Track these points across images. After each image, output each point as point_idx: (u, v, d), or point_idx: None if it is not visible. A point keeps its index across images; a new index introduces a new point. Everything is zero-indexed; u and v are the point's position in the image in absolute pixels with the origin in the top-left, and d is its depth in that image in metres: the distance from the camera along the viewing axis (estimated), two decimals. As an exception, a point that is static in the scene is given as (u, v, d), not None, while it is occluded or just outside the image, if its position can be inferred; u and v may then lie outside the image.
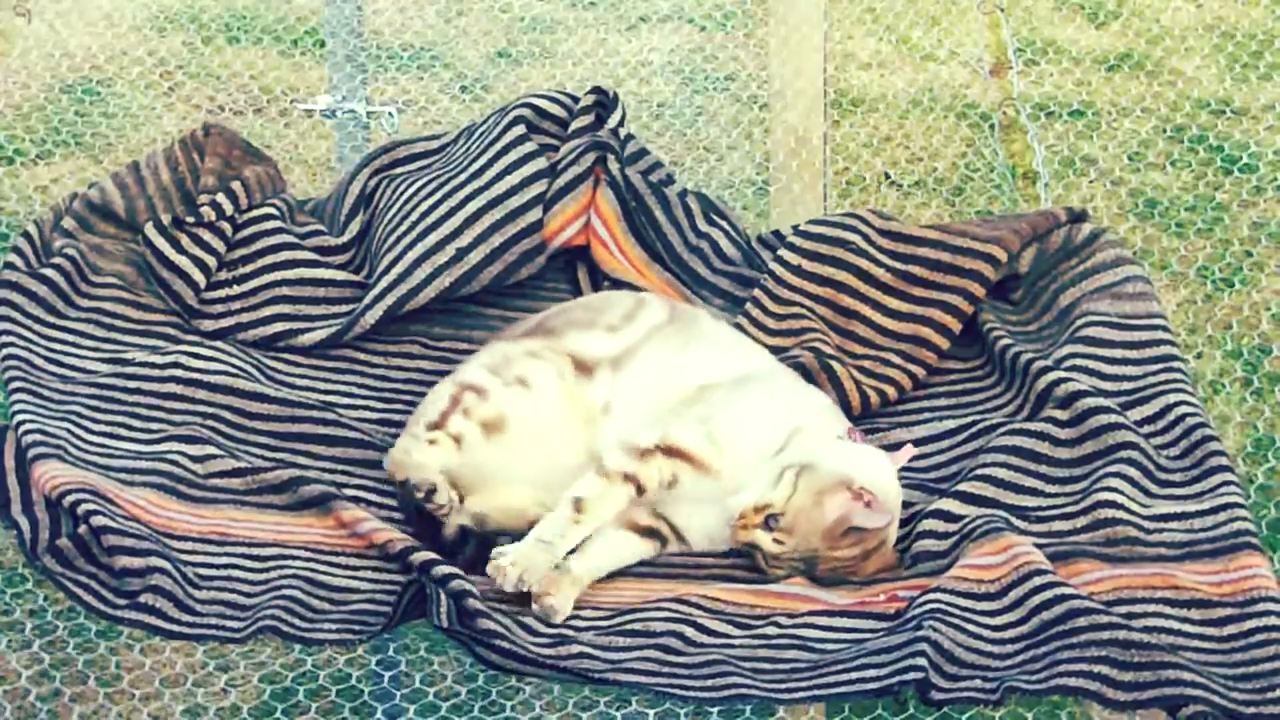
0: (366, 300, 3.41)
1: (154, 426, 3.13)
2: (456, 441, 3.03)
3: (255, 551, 2.92)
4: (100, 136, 4.25)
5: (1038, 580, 2.75)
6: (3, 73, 4.38)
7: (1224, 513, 2.90)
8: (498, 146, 3.54)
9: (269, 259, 3.48)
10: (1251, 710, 2.57)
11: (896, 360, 3.34)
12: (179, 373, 3.20)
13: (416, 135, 3.81)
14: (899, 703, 2.66)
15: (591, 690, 2.75)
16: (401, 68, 4.53)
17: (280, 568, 2.89)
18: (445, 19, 4.70)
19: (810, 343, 3.31)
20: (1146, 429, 3.07)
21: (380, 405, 3.31)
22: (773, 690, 2.66)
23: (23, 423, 3.05)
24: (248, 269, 3.47)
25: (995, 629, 2.73)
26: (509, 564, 2.85)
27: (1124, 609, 2.74)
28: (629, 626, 2.80)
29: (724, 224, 3.60)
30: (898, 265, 3.40)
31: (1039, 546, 2.83)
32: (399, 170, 3.64)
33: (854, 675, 2.65)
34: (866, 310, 3.38)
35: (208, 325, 3.41)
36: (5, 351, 3.25)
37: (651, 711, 2.71)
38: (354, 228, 3.59)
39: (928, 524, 2.94)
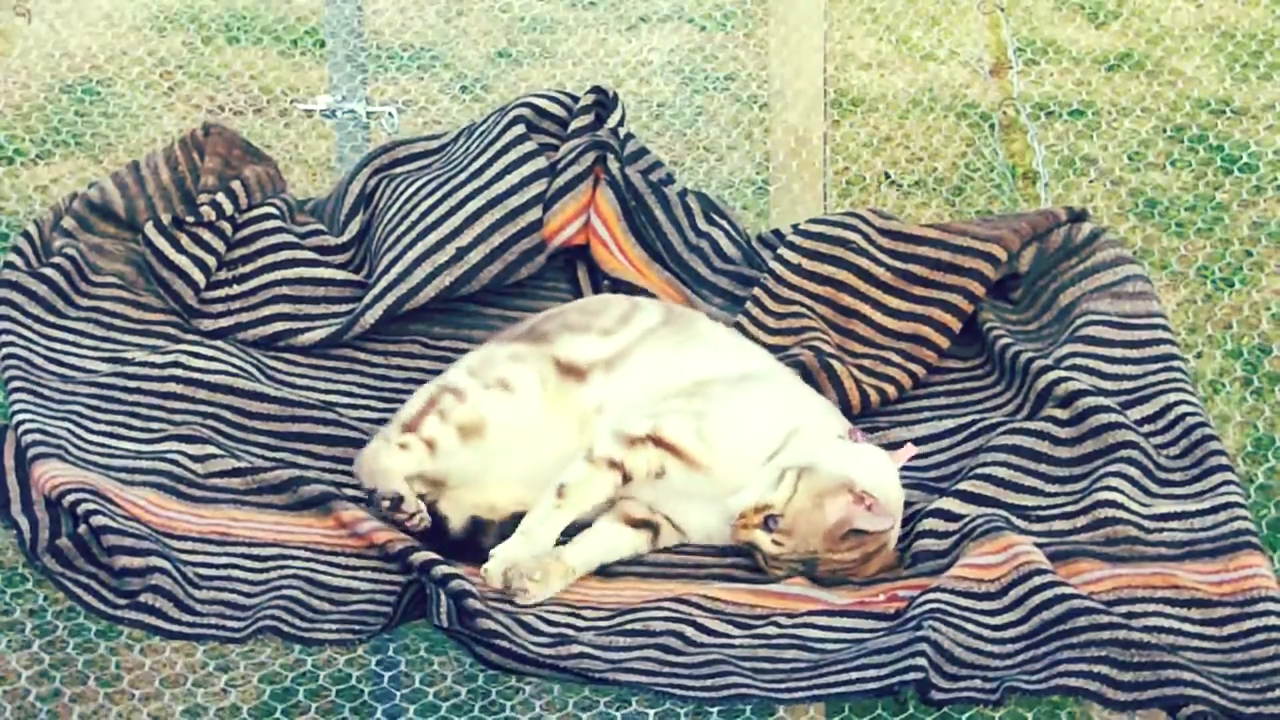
0: (366, 300, 3.41)
1: (154, 426, 3.13)
2: (429, 446, 3.01)
3: (255, 551, 2.92)
4: (100, 136, 4.25)
5: (1038, 580, 2.75)
6: (3, 73, 4.38)
7: (1224, 512, 2.90)
8: (498, 146, 3.54)
9: (269, 258, 3.48)
10: (1251, 710, 2.57)
11: (896, 359, 3.34)
12: (179, 372, 3.20)
13: (416, 135, 3.81)
14: (899, 703, 2.66)
15: (591, 690, 2.74)
16: (401, 68, 4.53)
17: (280, 568, 2.89)
18: (445, 19, 4.70)
19: (810, 342, 3.31)
20: (1146, 428, 3.07)
21: (380, 405, 3.31)
22: (773, 690, 2.66)
23: (23, 422, 3.04)
24: (248, 268, 3.47)
25: (995, 629, 2.72)
26: (492, 565, 2.88)
27: (1124, 609, 2.74)
28: (629, 626, 2.80)
29: (724, 223, 3.60)
30: (898, 264, 3.40)
31: (1039, 546, 2.83)
32: (399, 170, 3.64)
33: (854, 675, 2.65)
34: (866, 309, 3.38)
35: (208, 325, 3.41)
36: (5, 351, 3.25)
37: (651, 711, 2.70)
38: (354, 227, 3.59)
39: (928, 523, 2.94)
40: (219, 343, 3.33)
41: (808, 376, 3.23)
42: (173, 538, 2.91)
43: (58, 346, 3.31)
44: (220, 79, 4.49)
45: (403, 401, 3.29)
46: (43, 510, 2.90)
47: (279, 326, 3.41)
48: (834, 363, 3.27)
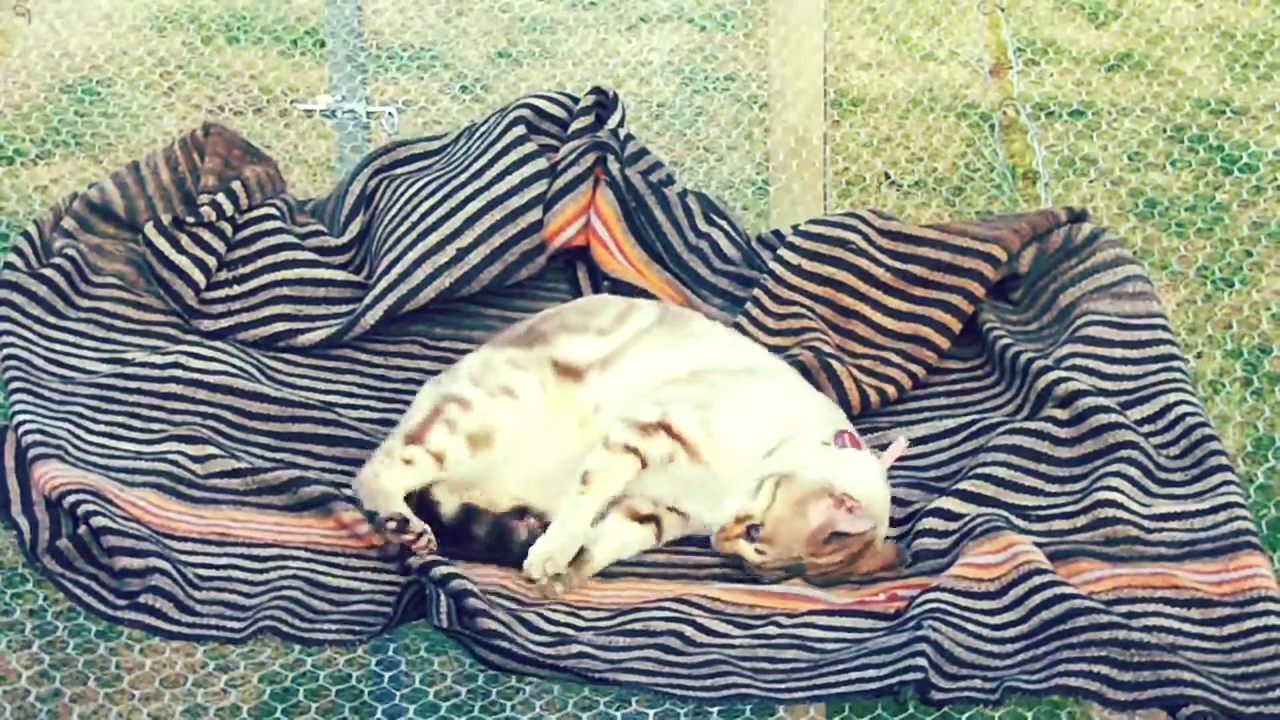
0: (367, 300, 3.41)
1: (154, 427, 3.13)
2: (438, 459, 3.00)
3: (255, 552, 2.92)
4: (100, 136, 4.25)
5: (1038, 579, 2.75)
6: (3, 73, 4.38)
7: (1224, 512, 2.90)
8: (498, 147, 3.54)
9: (269, 259, 3.48)
10: (1251, 710, 2.57)
11: (896, 360, 3.34)
12: (179, 373, 3.20)
13: (417, 135, 3.81)
14: (899, 703, 2.66)
15: (591, 690, 2.74)
16: (401, 68, 4.53)
17: (280, 568, 2.89)
18: (445, 19, 4.70)
19: (810, 342, 3.31)
20: (1146, 428, 3.07)
21: (380, 405, 3.31)
22: (773, 690, 2.66)
23: (23, 423, 3.04)
24: (248, 269, 3.47)
25: (995, 628, 2.72)
26: (533, 562, 2.89)
27: (1124, 608, 2.74)
28: (629, 626, 2.80)
29: (724, 224, 3.60)
30: (898, 265, 3.40)
31: (1039, 545, 2.83)
32: (399, 171, 3.64)
33: (854, 675, 2.65)
34: (866, 310, 3.39)
35: (208, 325, 3.41)
36: (5, 352, 3.25)
37: (651, 711, 2.70)
38: (354, 228, 3.59)
39: (928, 522, 2.94)
40: (219, 343, 3.33)
41: (807, 377, 3.23)
42: (173, 538, 2.91)
43: (58, 347, 3.31)
44: (220, 79, 4.49)
45: (403, 401, 3.29)
46: (43, 511, 2.90)
47: (279, 327, 3.41)
48: (834, 363, 3.27)
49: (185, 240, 3.47)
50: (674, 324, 3.16)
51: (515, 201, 3.46)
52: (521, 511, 3.00)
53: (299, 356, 3.39)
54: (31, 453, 2.97)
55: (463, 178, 3.51)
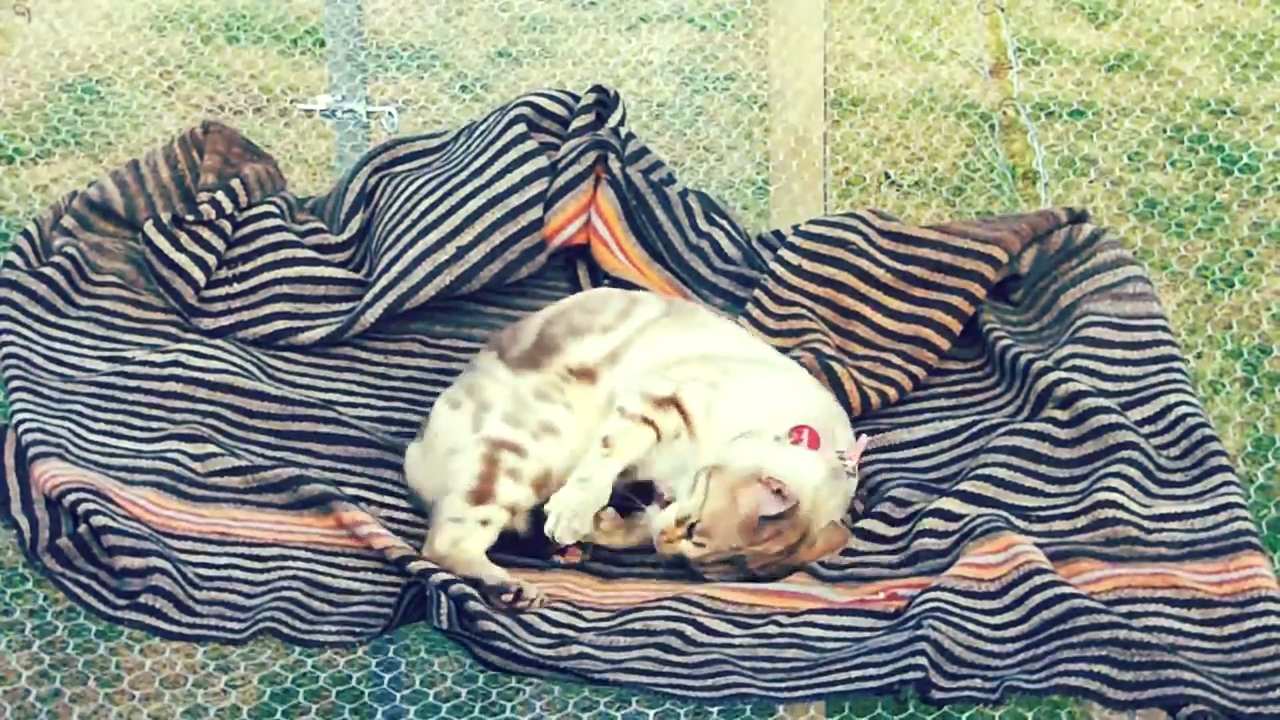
0: (367, 298, 3.41)
1: (154, 425, 3.13)
2: (511, 511, 2.99)
3: (255, 552, 2.92)
4: (100, 136, 4.25)
5: (1038, 579, 2.75)
6: (3, 72, 4.38)
7: (1224, 512, 2.90)
8: (498, 145, 3.54)
9: (269, 257, 3.48)
10: (1252, 710, 2.57)
11: (897, 361, 3.34)
12: (179, 371, 3.20)
13: (416, 134, 3.81)
14: (899, 702, 2.66)
15: (592, 691, 2.74)
16: (401, 67, 4.53)
17: (281, 568, 2.89)
18: (445, 19, 4.70)
19: (810, 343, 3.31)
20: (1147, 429, 3.07)
21: (380, 403, 3.31)
22: (773, 689, 2.66)
23: (23, 421, 3.04)
24: (248, 267, 3.47)
25: (995, 628, 2.72)
26: (554, 522, 2.91)
27: (1124, 608, 2.74)
28: (629, 626, 2.80)
29: (724, 223, 3.60)
30: (898, 266, 3.39)
31: (1039, 546, 2.83)
32: (399, 168, 3.64)
33: (854, 674, 2.65)
34: (867, 311, 3.38)
35: (208, 323, 3.41)
36: (5, 350, 3.25)
37: (651, 712, 2.70)
38: (354, 226, 3.59)
39: (928, 523, 2.94)
40: (219, 341, 3.33)
41: (808, 376, 3.24)
42: (173, 537, 2.91)
43: (58, 346, 3.31)
44: (220, 79, 4.49)
45: (403, 399, 3.30)
46: (43, 510, 2.90)
47: (279, 325, 3.41)
48: (834, 364, 3.27)
49: (185, 238, 3.47)
50: (680, 315, 3.18)
51: (516, 199, 3.46)
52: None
53: (299, 354, 3.39)
54: (31, 451, 2.97)
55: (463, 175, 3.51)
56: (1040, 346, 3.29)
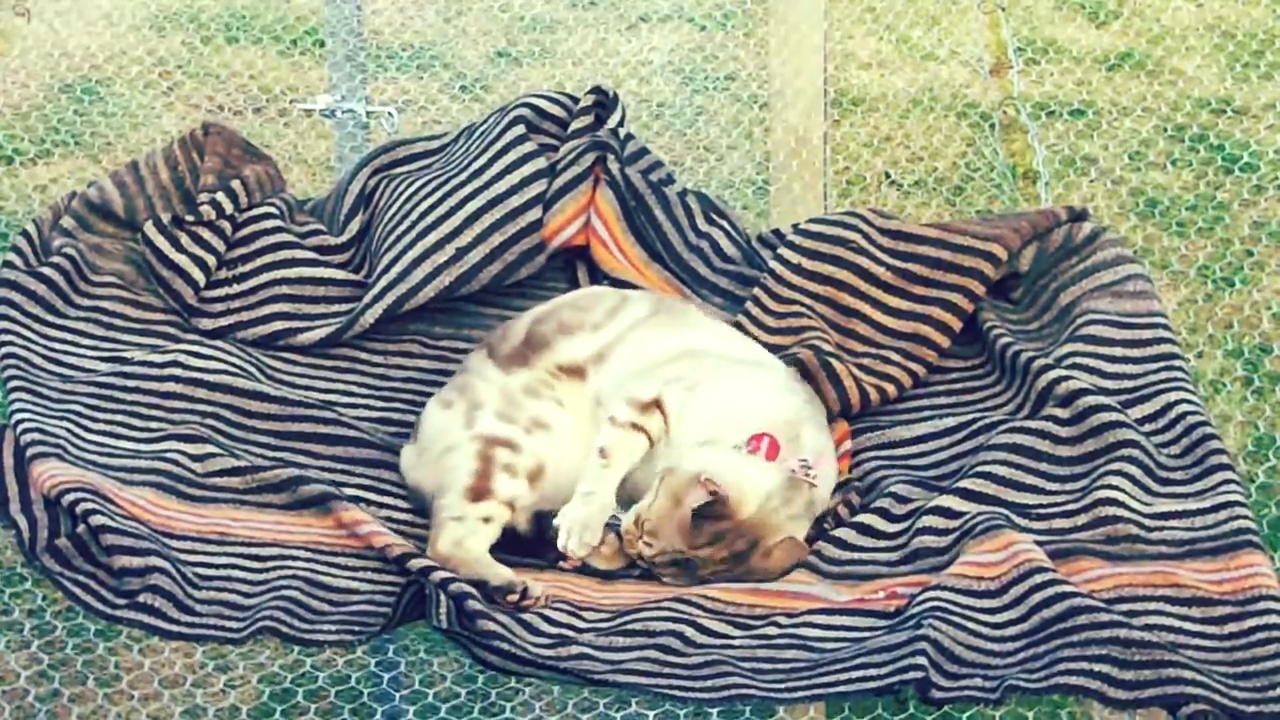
0: (366, 299, 3.40)
1: (153, 425, 3.13)
2: (510, 506, 3.00)
3: (255, 551, 2.92)
4: (99, 136, 4.25)
5: (1038, 578, 2.74)
6: (2, 73, 4.38)
7: (1225, 511, 2.90)
8: (497, 146, 3.54)
9: (268, 258, 3.48)
10: (1252, 709, 2.57)
11: (897, 358, 3.33)
12: (178, 371, 3.20)
13: (416, 135, 3.81)
14: (899, 702, 2.66)
15: (591, 691, 2.74)
16: (401, 68, 4.53)
17: (280, 568, 2.89)
18: (445, 19, 4.70)
19: (810, 341, 3.31)
20: (1147, 427, 3.07)
21: (380, 404, 3.30)
22: (772, 690, 2.66)
23: (22, 422, 3.04)
24: (247, 268, 3.47)
25: (995, 627, 2.72)
26: (566, 537, 2.92)
27: (1125, 607, 2.74)
28: (629, 627, 2.79)
29: (724, 223, 3.59)
30: (898, 264, 3.39)
31: (1039, 544, 2.83)
32: (399, 170, 3.63)
33: (854, 674, 2.65)
34: (867, 309, 3.38)
35: (207, 324, 3.41)
36: (4, 350, 3.25)
37: (651, 713, 2.70)
38: (354, 227, 3.59)
39: (928, 520, 2.94)
40: (218, 342, 3.32)
41: (807, 375, 3.23)
42: (172, 537, 2.90)
43: (57, 346, 3.31)
44: (220, 79, 4.49)
45: (402, 400, 3.29)
46: (42, 510, 2.90)
47: (278, 326, 3.41)
48: (834, 362, 3.26)
49: (185, 239, 3.46)
50: (669, 313, 3.19)
51: (515, 200, 3.46)
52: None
53: (298, 355, 3.39)
54: (30, 451, 2.97)
55: (462, 177, 3.51)
56: (1040, 344, 3.29)
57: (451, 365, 3.34)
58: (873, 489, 3.08)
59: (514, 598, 2.83)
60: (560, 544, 2.93)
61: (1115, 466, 2.97)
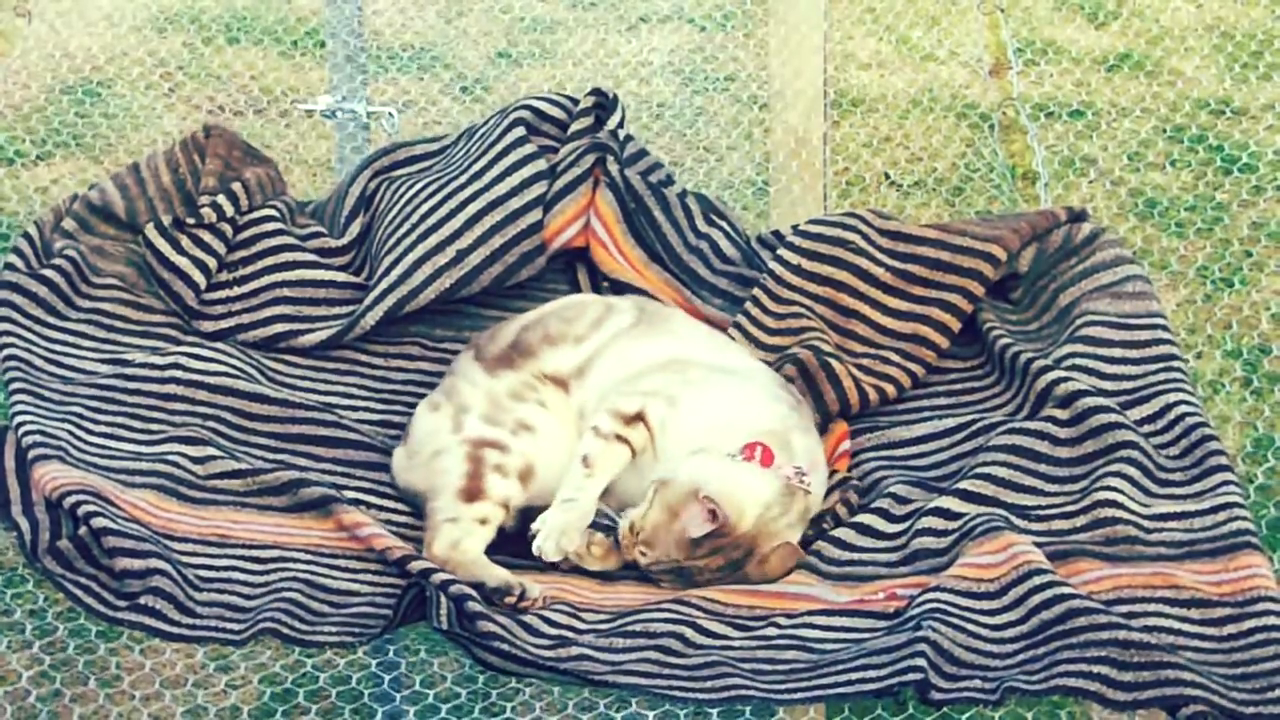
0: (367, 301, 3.41)
1: (154, 427, 3.13)
2: (504, 507, 3.01)
3: (255, 554, 2.92)
4: (100, 137, 4.25)
5: (1037, 579, 2.75)
6: (3, 73, 4.38)
7: (1224, 512, 2.90)
8: (498, 148, 3.54)
9: (269, 260, 3.48)
10: (1251, 710, 2.57)
11: (896, 359, 3.34)
12: (179, 374, 3.21)
13: (417, 136, 3.81)
14: (899, 703, 2.66)
15: (591, 692, 2.74)
16: (401, 68, 4.53)
17: (280, 570, 2.89)
18: (445, 19, 4.70)
19: (810, 341, 3.31)
20: (1146, 428, 3.07)
21: (381, 406, 3.31)
22: (772, 691, 2.66)
23: (23, 424, 3.05)
24: (248, 270, 3.47)
25: (995, 628, 2.72)
26: (543, 540, 2.93)
27: (1124, 608, 2.74)
28: (629, 628, 2.80)
29: (724, 224, 3.60)
30: (897, 264, 3.40)
31: (1039, 545, 2.83)
32: (399, 172, 3.64)
33: (853, 676, 2.65)
34: (866, 309, 3.39)
35: (208, 326, 3.41)
36: (6, 352, 3.25)
37: (651, 713, 2.71)
38: (354, 229, 3.59)
39: (927, 521, 2.94)
40: (219, 344, 3.33)
41: (806, 376, 3.24)
42: (173, 539, 2.91)
43: (58, 348, 3.31)
44: (220, 79, 4.49)
45: (403, 403, 3.30)
46: (43, 512, 2.90)
47: (279, 328, 3.41)
48: (833, 362, 3.27)
49: (185, 241, 3.47)
50: (651, 322, 3.20)
51: (515, 202, 3.47)
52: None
53: (299, 358, 3.39)
54: (32, 453, 2.97)
55: (462, 179, 3.51)
56: (1040, 345, 3.30)
57: (452, 366, 3.35)
58: (872, 489, 3.09)
59: (512, 599, 2.84)
60: (535, 547, 2.94)
61: (1114, 468, 2.97)
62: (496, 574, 2.88)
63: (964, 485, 2.99)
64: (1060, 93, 4.46)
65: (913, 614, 2.75)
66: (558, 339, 3.17)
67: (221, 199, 3.51)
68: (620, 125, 3.60)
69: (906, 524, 2.97)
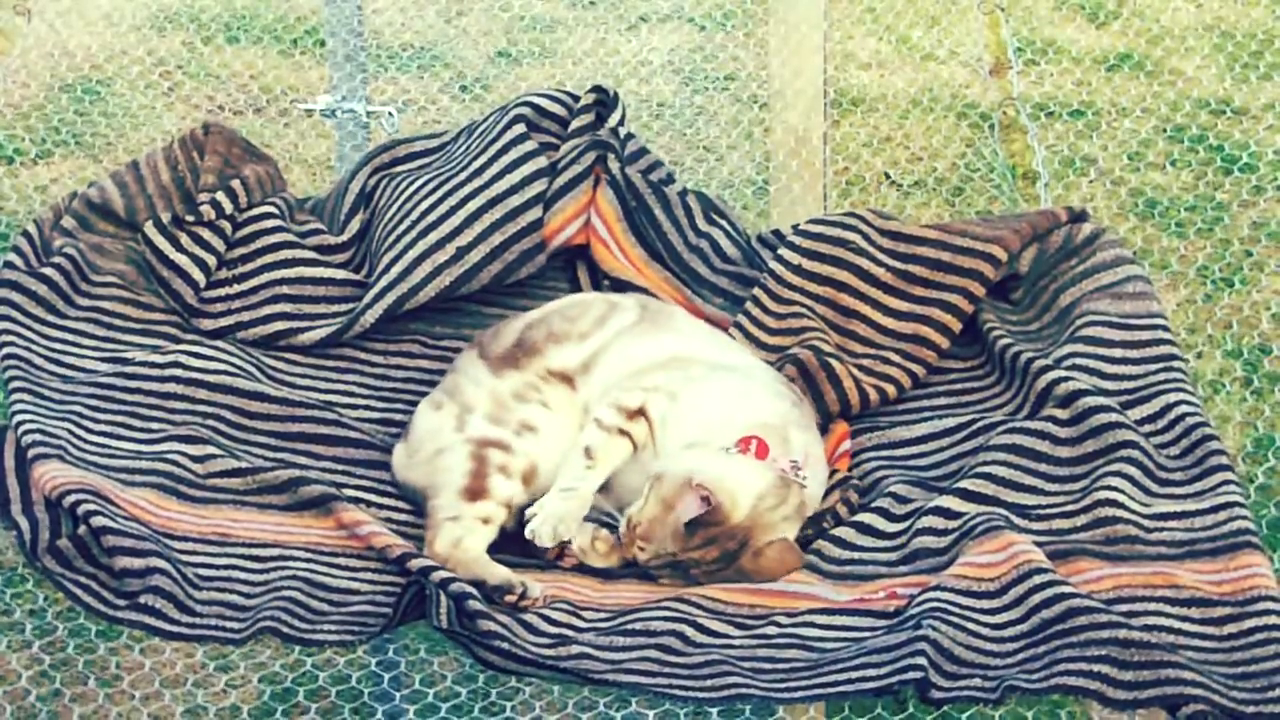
0: (366, 299, 3.41)
1: (154, 426, 3.13)
2: (507, 507, 3.01)
3: (255, 552, 2.92)
4: (100, 136, 4.25)
5: (1038, 579, 2.75)
6: (3, 72, 4.38)
7: (1224, 512, 2.90)
8: (498, 145, 3.54)
9: (269, 258, 3.48)
10: (1251, 709, 2.57)
11: (897, 359, 3.34)
12: (179, 372, 3.20)
13: (416, 134, 3.81)
14: (899, 702, 2.66)
15: (591, 691, 2.74)
16: (401, 68, 4.53)
17: (280, 569, 2.89)
18: (445, 19, 4.70)
19: (810, 341, 3.31)
20: (1146, 428, 3.07)
21: (381, 404, 3.31)
22: (772, 690, 2.66)
23: (23, 423, 3.04)
24: (247, 268, 3.47)
25: (995, 627, 2.72)
26: (539, 524, 2.93)
27: (1124, 608, 2.74)
28: (629, 626, 2.80)
29: (724, 223, 3.60)
30: (898, 264, 3.39)
31: (1039, 545, 2.83)
32: (399, 169, 3.64)
33: (854, 675, 2.65)
34: (867, 309, 3.38)
35: (208, 324, 3.41)
36: (5, 351, 3.25)
37: (651, 712, 2.70)
38: (354, 226, 3.59)
39: (927, 521, 2.94)
40: (219, 342, 3.33)
41: (807, 375, 3.24)
42: (173, 538, 2.91)
43: (58, 346, 3.31)
44: (220, 79, 4.49)
45: (403, 401, 3.29)
46: (43, 511, 2.90)
47: (279, 326, 3.41)
48: (833, 362, 3.27)
49: (185, 239, 3.47)
50: (654, 320, 3.20)
51: (515, 200, 3.46)
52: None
53: (299, 355, 3.39)
54: (32, 452, 2.97)
55: (463, 176, 3.51)
56: (1040, 345, 3.30)
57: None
58: (873, 489, 3.08)
59: (512, 598, 2.83)
60: (528, 531, 2.94)
61: (1115, 467, 2.97)
62: (497, 572, 2.87)
63: (964, 485, 2.99)
64: (1060, 92, 4.46)
65: (913, 613, 2.75)
66: (562, 337, 3.17)
67: (221, 196, 3.51)
68: (621, 123, 3.60)
69: (907, 523, 2.97)
